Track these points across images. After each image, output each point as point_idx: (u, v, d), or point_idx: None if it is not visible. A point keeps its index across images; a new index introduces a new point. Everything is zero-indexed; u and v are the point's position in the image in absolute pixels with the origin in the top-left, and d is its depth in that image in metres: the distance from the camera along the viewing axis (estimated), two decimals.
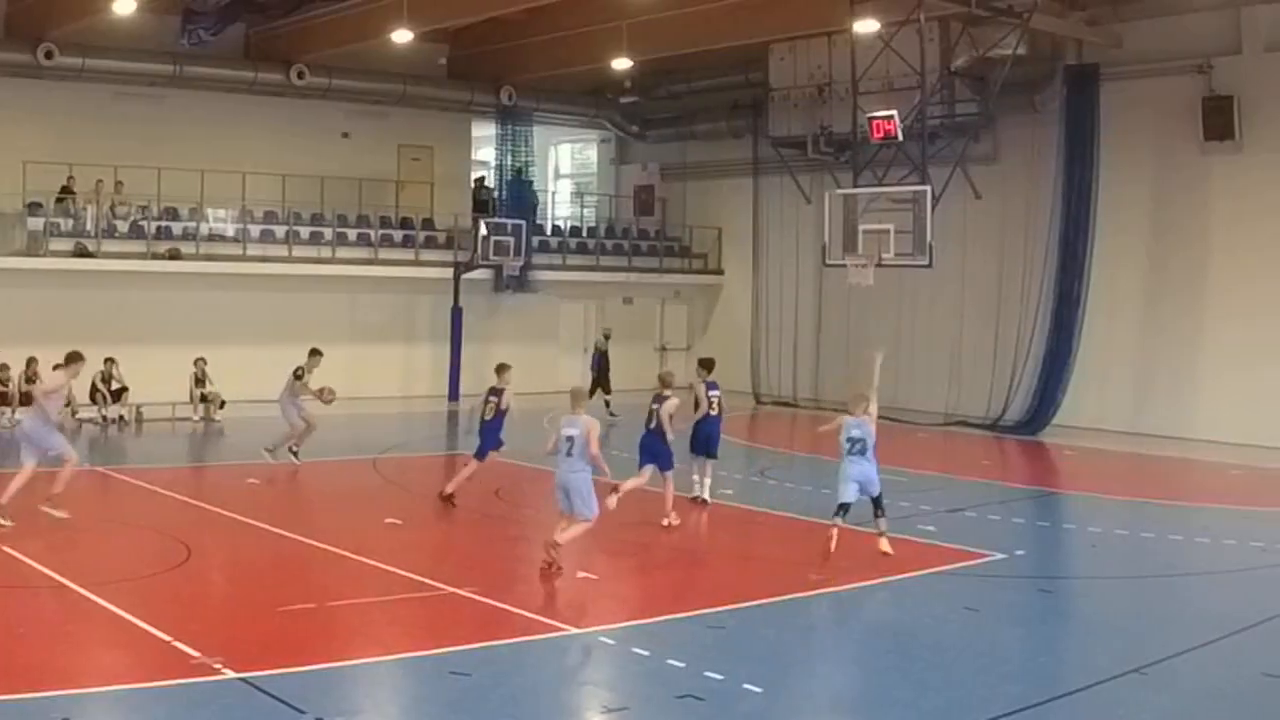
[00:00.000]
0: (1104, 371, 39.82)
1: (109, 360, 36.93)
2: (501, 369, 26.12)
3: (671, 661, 15.58)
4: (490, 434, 26.17)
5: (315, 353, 31.06)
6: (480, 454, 26.29)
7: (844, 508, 20.81)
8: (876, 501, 21.25)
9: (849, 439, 20.69)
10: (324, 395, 30.68)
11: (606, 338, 45.21)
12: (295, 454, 30.84)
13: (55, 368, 25.74)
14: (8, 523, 21.80)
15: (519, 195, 50.81)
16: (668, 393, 24.64)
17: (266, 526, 24.06)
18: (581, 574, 20.24)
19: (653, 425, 24.70)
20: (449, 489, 26.27)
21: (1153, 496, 26.50)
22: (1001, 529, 24.78)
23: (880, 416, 21.89)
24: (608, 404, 41.96)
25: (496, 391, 25.91)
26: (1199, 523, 25.84)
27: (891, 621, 18.65)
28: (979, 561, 22.13)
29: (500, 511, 26.38)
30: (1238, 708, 14.81)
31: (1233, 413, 37.25)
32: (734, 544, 24.30)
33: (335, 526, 23.42)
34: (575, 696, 15.04)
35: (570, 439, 19.81)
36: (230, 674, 14.31)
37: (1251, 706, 14.88)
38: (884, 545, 21.22)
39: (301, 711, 13.28)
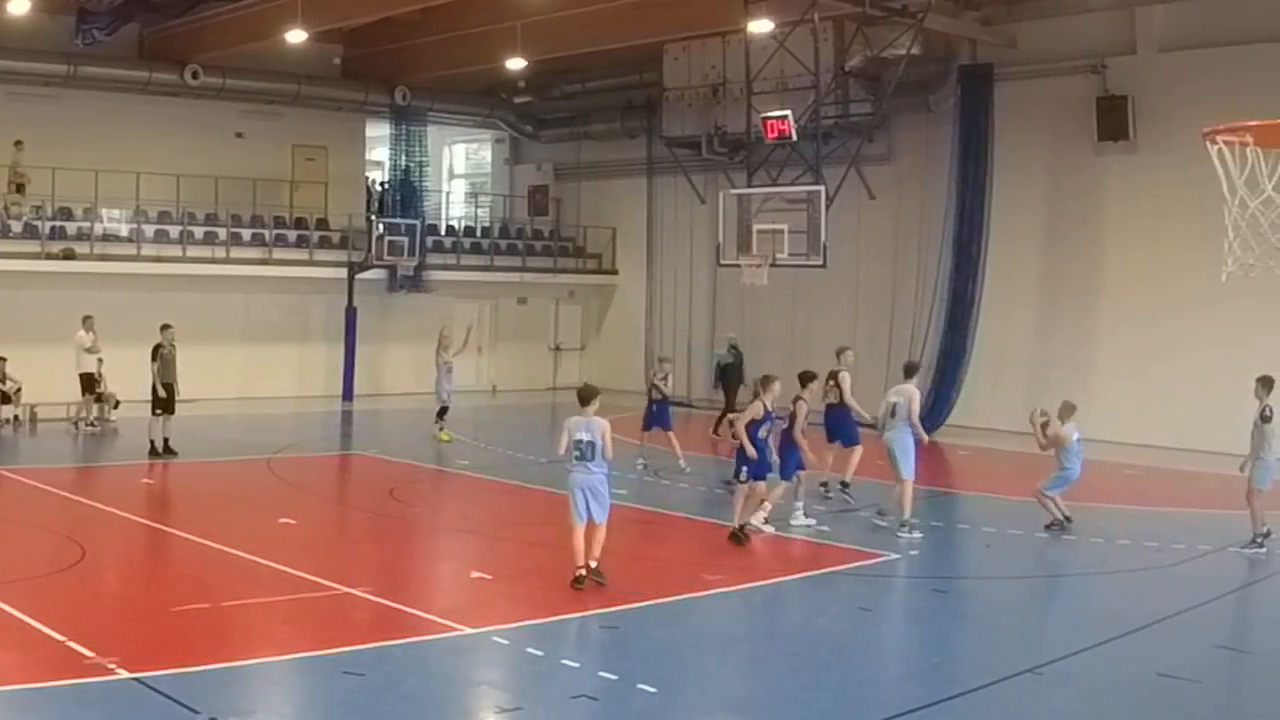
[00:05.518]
0: (998, 372, 39.94)
1: None
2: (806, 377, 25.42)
3: (566, 661, 15.72)
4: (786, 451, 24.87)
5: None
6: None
7: None
8: None
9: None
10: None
11: (733, 348, 40.34)
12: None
13: None
14: None
15: (408, 195, 50.78)
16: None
17: (161, 526, 24.10)
18: (475, 574, 20.31)
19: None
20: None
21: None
22: (896, 529, 24.92)
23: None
24: (730, 423, 37.49)
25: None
26: (1093, 523, 25.91)
27: (786, 622, 18.76)
28: (873, 562, 22.27)
29: (394, 511, 26.38)
30: (1132, 707, 14.98)
31: (1127, 413, 37.51)
32: (628, 544, 24.32)
33: (230, 526, 23.26)
34: (469, 696, 15.10)
35: (587, 444, 19.12)
36: (124, 674, 14.29)
37: (1146, 706, 15.04)
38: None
39: (195, 711, 13.27)
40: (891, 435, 24.95)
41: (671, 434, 32.21)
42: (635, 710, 14.16)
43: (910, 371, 26.19)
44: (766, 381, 23.55)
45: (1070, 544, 24.23)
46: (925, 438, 25.89)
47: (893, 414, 24.98)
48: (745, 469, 23.24)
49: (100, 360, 36.23)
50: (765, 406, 23.34)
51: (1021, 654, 16.72)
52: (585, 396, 19.41)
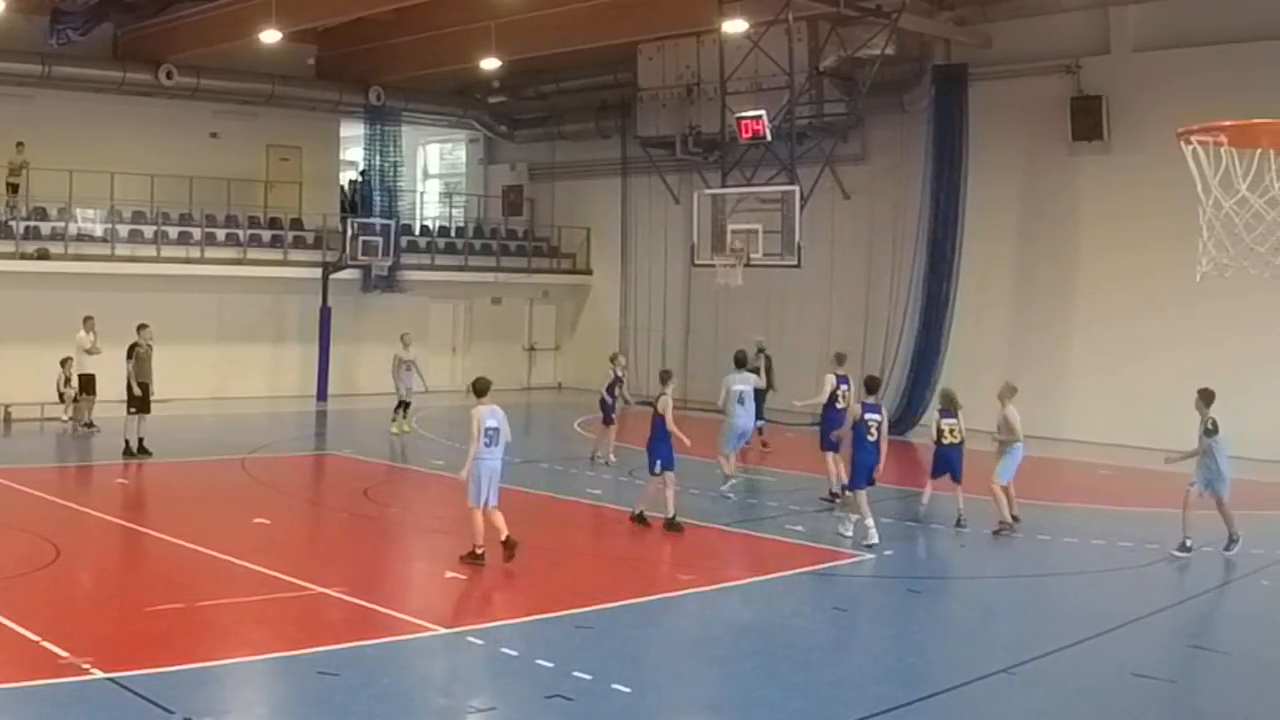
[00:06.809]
0: (972, 371, 39.34)
1: None
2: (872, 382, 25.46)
3: (540, 661, 15.65)
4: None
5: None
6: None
7: None
8: None
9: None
10: None
11: (761, 350, 35.89)
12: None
13: None
14: None
15: (368, 194, 50.79)
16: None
17: (135, 526, 24.05)
18: (450, 574, 20.29)
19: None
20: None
21: (1021, 496, 26.48)
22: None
23: None
24: (760, 431, 34.29)
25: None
26: (1067, 523, 26.05)
27: (760, 622, 18.74)
28: (847, 561, 22.36)
29: (369, 511, 26.34)
30: (1105, 707, 15.01)
31: (1101, 413, 37.60)
32: (602, 544, 24.41)
33: (204, 526, 23.20)
34: (444, 697, 15.05)
35: (495, 430, 20.76)
36: (99, 674, 14.28)
37: (1119, 706, 15.07)
38: None
39: (170, 711, 13.26)
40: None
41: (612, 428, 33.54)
42: (610, 710, 14.14)
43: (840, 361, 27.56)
44: (667, 376, 25.07)
45: (1044, 544, 24.27)
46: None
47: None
48: (660, 461, 24.03)
49: (69, 360, 36.21)
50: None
51: (995, 654, 16.77)
52: (483, 388, 21.18)
